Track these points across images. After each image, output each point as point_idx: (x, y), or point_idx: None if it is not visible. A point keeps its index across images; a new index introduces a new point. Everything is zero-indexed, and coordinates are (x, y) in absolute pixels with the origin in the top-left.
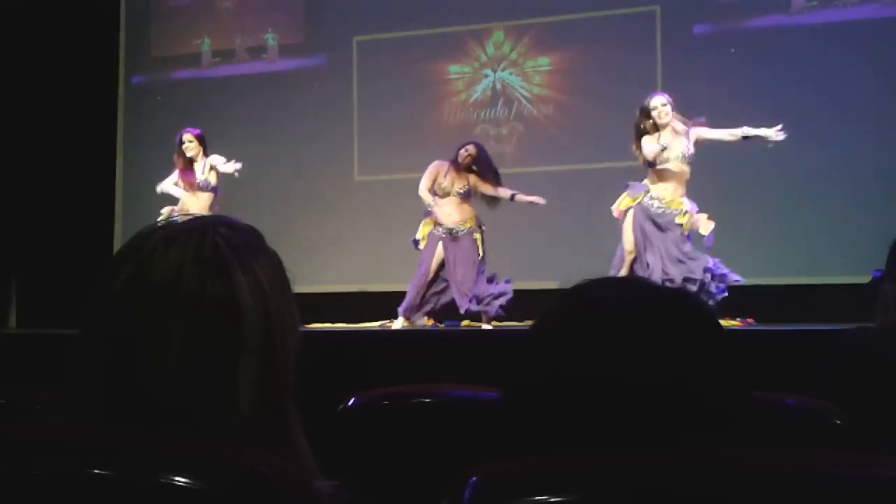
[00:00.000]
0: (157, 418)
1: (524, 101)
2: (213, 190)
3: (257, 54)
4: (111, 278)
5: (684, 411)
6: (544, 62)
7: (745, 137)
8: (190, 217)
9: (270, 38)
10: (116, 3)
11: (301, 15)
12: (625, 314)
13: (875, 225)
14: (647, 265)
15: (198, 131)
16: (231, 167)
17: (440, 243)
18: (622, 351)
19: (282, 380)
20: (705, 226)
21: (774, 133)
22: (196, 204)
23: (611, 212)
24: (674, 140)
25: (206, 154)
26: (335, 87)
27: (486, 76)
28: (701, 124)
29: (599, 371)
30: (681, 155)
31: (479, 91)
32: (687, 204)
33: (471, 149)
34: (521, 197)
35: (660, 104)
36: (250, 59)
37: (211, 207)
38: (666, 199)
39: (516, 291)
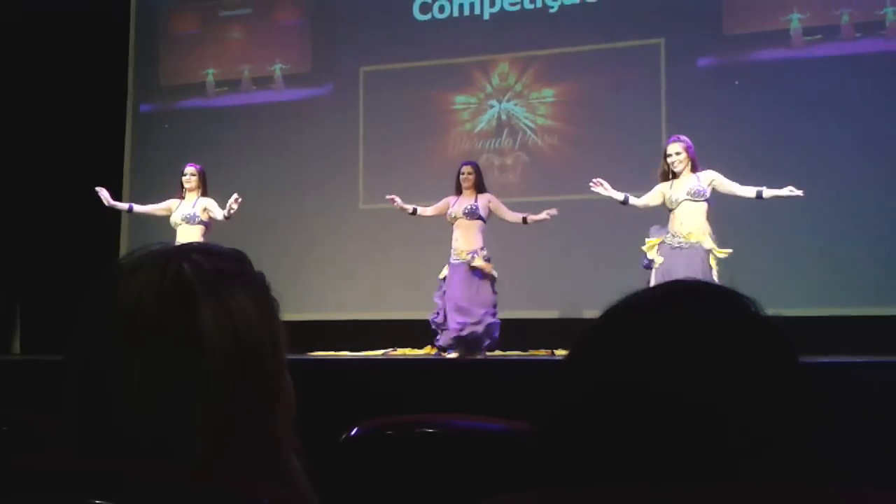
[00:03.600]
0: (127, 450)
1: (529, 132)
2: (204, 223)
3: (264, 84)
4: (91, 306)
5: (739, 443)
6: (549, 93)
7: (760, 197)
8: (162, 244)
9: (278, 68)
10: (126, 32)
11: (308, 45)
12: (687, 330)
13: (877, 256)
14: None
15: (199, 167)
16: (219, 215)
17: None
18: (680, 371)
19: (262, 411)
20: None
21: (789, 192)
22: (185, 237)
23: (614, 241)
24: (687, 181)
25: (204, 190)
26: (342, 117)
27: (492, 107)
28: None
29: (655, 393)
30: (685, 193)
31: (485, 121)
32: (709, 237)
33: (469, 168)
34: (531, 217)
35: (674, 152)
36: (257, 89)
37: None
38: (683, 233)
39: (518, 320)
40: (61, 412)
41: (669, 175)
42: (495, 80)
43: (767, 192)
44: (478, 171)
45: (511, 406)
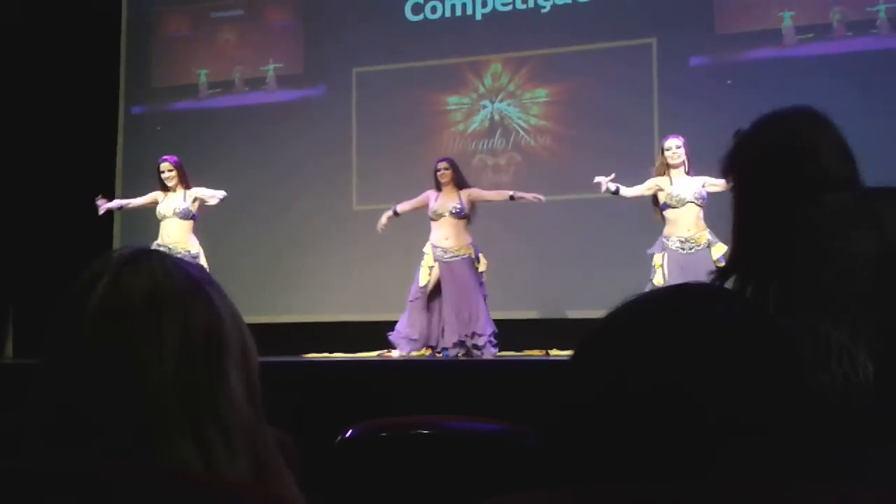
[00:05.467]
0: (147, 439)
1: (522, 132)
2: (193, 217)
3: (257, 85)
4: (78, 304)
5: (745, 443)
6: (542, 93)
7: None
8: (131, 249)
9: (270, 69)
10: (117, 34)
11: (300, 46)
12: (694, 331)
13: None
14: None
15: (175, 159)
16: (215, 199)
17: (437, 266)
18: (687, 372)
19: (250, 411)
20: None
21: None
22: (175, 231)
23: (609, 241)
24: (687, 183)
25: (185, 183)
26: (334, 118)
27: (485, 107)
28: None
29: (661, 393)
30: (695, 198)
31: (478, 122)
32: (709, 234)
33: (444, 164)
34: (519, 195)
35: (674, 146)
36: (249, 90)
37: (190, 238)
38: (694, 238)
39: (511, 321)
40: (26, 413)
41: (666, 170)
42: (488, 81)
43: None
44: (454, 167)
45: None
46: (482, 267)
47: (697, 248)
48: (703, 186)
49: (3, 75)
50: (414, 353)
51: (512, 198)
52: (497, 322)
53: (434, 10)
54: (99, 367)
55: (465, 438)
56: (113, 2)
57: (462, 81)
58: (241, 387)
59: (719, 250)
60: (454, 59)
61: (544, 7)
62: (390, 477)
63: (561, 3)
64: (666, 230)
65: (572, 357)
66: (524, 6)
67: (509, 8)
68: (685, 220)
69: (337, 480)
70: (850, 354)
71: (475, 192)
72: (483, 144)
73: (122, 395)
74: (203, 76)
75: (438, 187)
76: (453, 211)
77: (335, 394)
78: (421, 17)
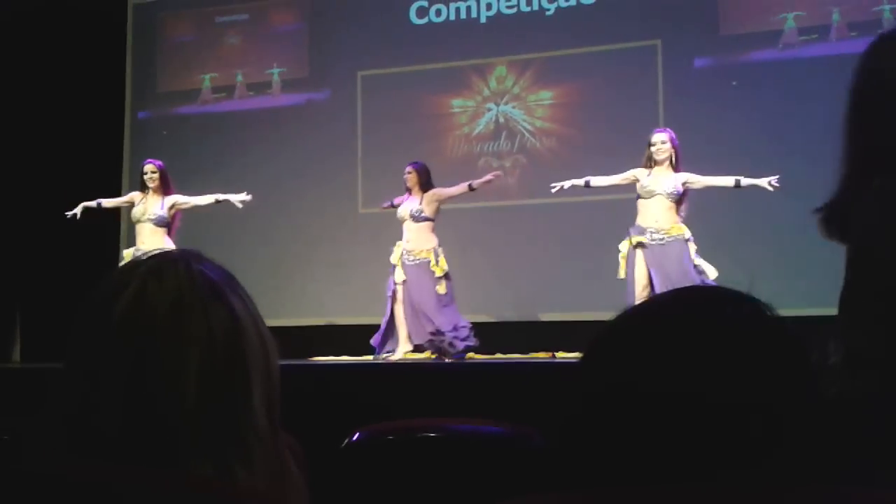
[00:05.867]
0: (168, 450)
1: (527, 134)
2: (168, 224)
3: (262, 89)
4: (104, 312)
5: (754, 444)
6: (546, 95)
7: (738, 186)
8: (157, 251)
9: (275, 73)
10: (123, 39)
11: (306, 50)
12: (703, 333)
13: None
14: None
15: (160, 163)
16: (200, 201)
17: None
18: (696, 374)
19: (277, 402)
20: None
21: (768, 183)
22: (150, 237)
23: (614, 243)
24: (664, 177)
25: (166, 189)
26: (339, 121)
27: (489, 110)
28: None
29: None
30: (665, 191)
31: (482, 124)
32: (686, 231)
33: (409, 168)
34: (477, 182)
35: (659, 140)
36: (255, 94)
37: (166, 242)
38: (665, 228)
39: (518, 323)
40: (46, 417)
41: (650, 163)
42: (493, 84)
43: (745, 181)
44: (419, 171)
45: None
46: (438, 272)
47: (668, 238)
48: (683, 183)
49: (11, 81)
50: (420, 356)
51: (471, 187)
52: (503, 325)
53: (438, 13)
54: (122, 376)
55: (471, 441)
56: (118, 8)
57: (467, 84)
58: (263, 397)
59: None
60: (459, 61)
61: (549, 9)
62: (397, 480)
63: (565, 5)
64: (637, 220)
65: (581, 359)
66: (528, 8)
67: (514, 10)
68: (653, 212)
69: (344, 484)
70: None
71: (436, 193)
72: (488, 147)
73: (144, 405)
74: (208, 81)
75: (409, 191)
76: (413, 214)
77: (341, 397)
78: (425, 20)
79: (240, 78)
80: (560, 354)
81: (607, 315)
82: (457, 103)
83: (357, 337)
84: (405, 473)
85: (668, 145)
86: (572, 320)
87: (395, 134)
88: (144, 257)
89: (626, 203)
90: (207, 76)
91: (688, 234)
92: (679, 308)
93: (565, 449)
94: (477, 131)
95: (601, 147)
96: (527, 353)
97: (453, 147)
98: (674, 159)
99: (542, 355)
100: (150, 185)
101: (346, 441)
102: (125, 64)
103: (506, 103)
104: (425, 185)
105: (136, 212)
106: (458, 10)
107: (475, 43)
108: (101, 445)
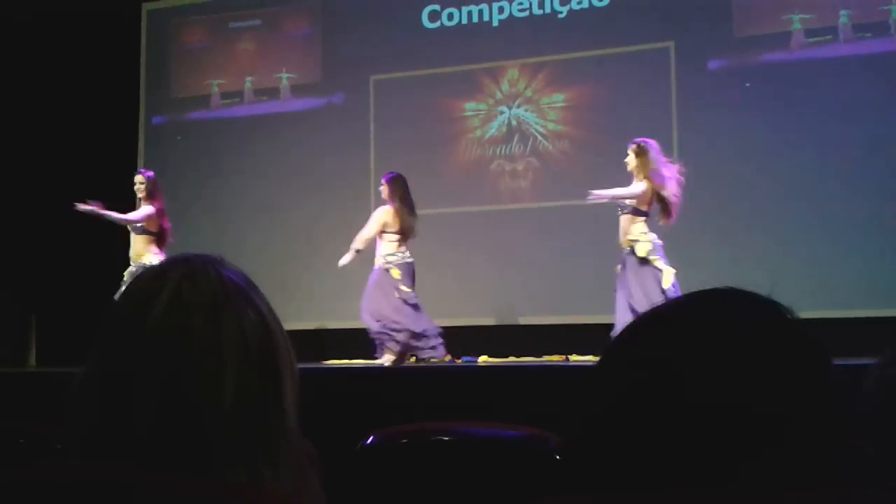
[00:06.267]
0: (202, 454)
1: (539, 137)
2: (150, 233)
3: (275, 94)
4: (137, 317)
5: (772, 449)
6: (559, 98)
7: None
8: (179, 256)
9: (286, 78)
10: (138, 46)
11: (318, 55)
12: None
13: (893, 255)
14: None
15: (150, 174)
16: (132, 216)
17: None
18: (713, 377)
19: (298, 406)
20: (667, 278)
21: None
22: (135, 244)
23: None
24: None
25: (151, 198)
26: (352, 126)
27: (502, 113)
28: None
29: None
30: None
31: (495, 127)
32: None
33: (382, 181)
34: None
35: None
36: (268, 99)
37: (149, 251)
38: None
39: (532, 326)
40: (72, 420)
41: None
42: (505, 87)
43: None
44: (390, 183)
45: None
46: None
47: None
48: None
49: (27, 87)
50: (434, 359)
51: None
52: (516, 328)
53: (451, 16)
54: (158, 380)
55: (485, 445)
56: (133, 14)
57: (479, 87)
58: (292, 398)
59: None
60: (471, 65)
61: (561, 12)
62: (410, 484)
63: (578, 7)
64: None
65: (599, 363)
66: (541, 11)
67: (526, 14)
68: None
69: (357, 488)
70: None
71: (380, 216)
72: (501, 150)
73: (180, 410)
74: (220, 86)
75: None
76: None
77: (355, 401)
78: (438, 24)
79: (253, 83)
80: (574, 357)
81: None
82: (469, 107)
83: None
84: (419, 477)
85: (631, 156)
86: (586, 323)
87: (407, 138)
88: (170, 262)
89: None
90: (220, 82)
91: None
92: (697, 311)
93: (582, 453)
94: (489, 134)
95: (614, 149)
96: (541, 357)
97: (466, 150)
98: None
99: (555, 358)
100: (139, 195)
101: (359, 444)
102: (139, 69)
103: (518, 106)
104: (392, 196)
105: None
106: (470, 13)
107: (487, 46)
108: (132, 449)
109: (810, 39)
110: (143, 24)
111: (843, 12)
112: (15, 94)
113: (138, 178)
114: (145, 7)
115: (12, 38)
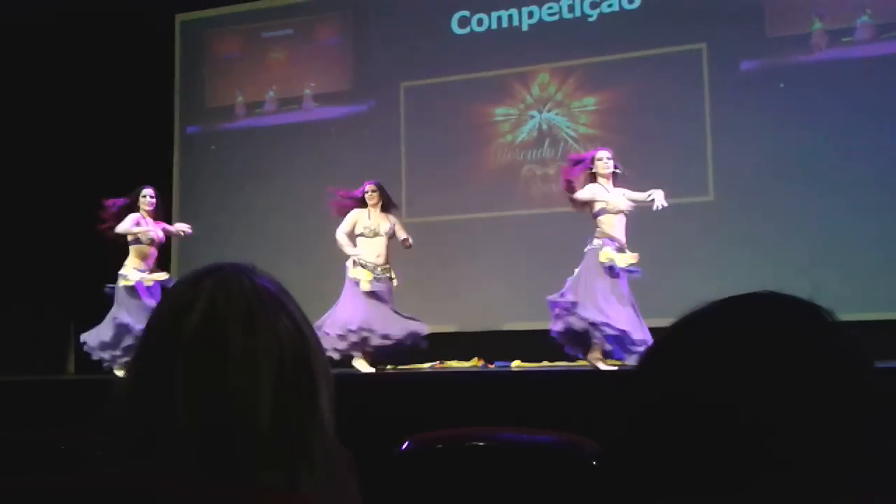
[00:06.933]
0: (241, 461)
1: (571, 141)
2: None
3: (306, 102)
4: (173, 329)
5: (810, 458)
6: (590, 102)
7: (651, 199)
8: (212, 266)
9: (319, 87)
10: (172, 55)
11: (349, 63)
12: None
13: None
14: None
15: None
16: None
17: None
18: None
19: (334, 411)
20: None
21: (658, 197)
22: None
23: (659, 248)
24: (614, 190)
25: (155, 215)
26: (383, 132)
27: (532, 117)
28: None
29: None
30: (627, 206)
31: (526, 132)
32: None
33: (371, 186)
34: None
35: (605, 157)
36: (299, 108)
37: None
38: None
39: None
40: (112, 429)
41: (594, 178)
42: (535, 91)
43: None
44: (382, 189)
45: (559, 417)
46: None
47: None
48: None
49: (63, 98)
50: (467, 364)
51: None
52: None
53: (480, 22)
54: (196, 390)
55: (520, 450)
56: (167, 25)
57: (509, 92)
58: (328, 402)
59: (626, 259)
60: (501, 70)
61: (591, 15)
62: (446, 489)
63: (608, 10)
64: (610, 233)
65: (636, 368)
66: (571, 15)
67: (556, 18)
68: (619, 226)
69: (393, 493)
70: None
71: (396, 223)
72: (532, 155)
73: (218, 419)
74: (252, 96)
75: (364, 204)
76: (388, 232)
77: (389, 406)
78: (467, 30)
79: (284, 92)
80: (608, 362)
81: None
82: (499, 112)
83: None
84: (454, 482)
85: (612, 162)
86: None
87: (438, 144)
88: (203, 272)
89: (672, 209)
90: (252, 91)
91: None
92: (736, 316)
93: (619, 461)
94: (520, 139)
95: (647, 152)
96: (574, 361)
97: (497, 155)
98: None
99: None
100: (149, 207)
101: (395, 450)
102: (174, 80)
103: (549, 110)
104: (386, 203)
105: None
106: (499, 18)
107: (517, 51)
108: (171, 458)
109: (844, 39)
110: (177, 34)
111: (868, 12)
112: (56, 108)
113: (147, 192)
114: (178, 18)
115: (51, 53)
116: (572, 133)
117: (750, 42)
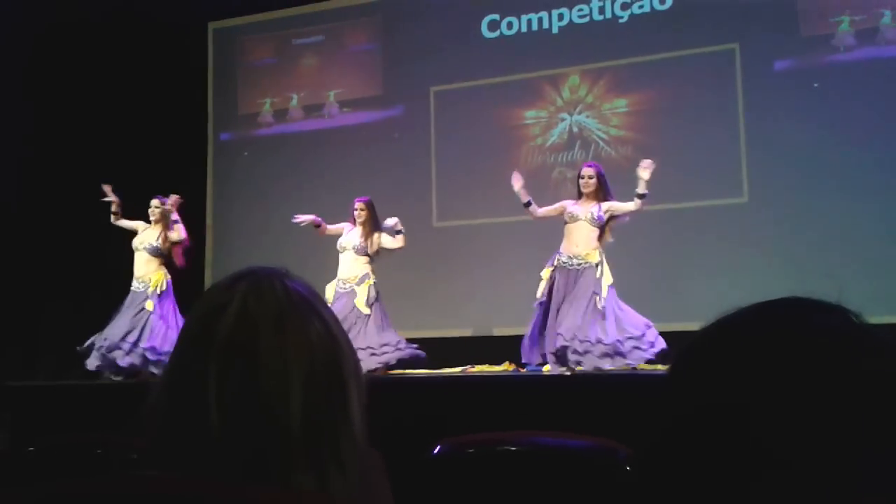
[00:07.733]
0: (273, 464)
1: (602, 143)
2: (161, 254)
3: (336, 108)
4: (206, 333)
5: (845, 467)
6: (621, 104)
7: (642, 197)
8: (245, 270)
9: (349, 92)
10: (205, 62)
11: (379, 68)
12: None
13: None
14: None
15: (166, 200)
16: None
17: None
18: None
19: (366, 415)
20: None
21: (646, 166)
22: (142, 264)
23: (692, 251)
24: (589, 205)
25: (166, 224)
26: (413, 137)
27: (563, 119)
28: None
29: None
30: (588, 217)
31: (556, 135)
32: (600, 256)
33: (360, 204)
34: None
35: (587, 175)
36: (329, 114)
37: (157, 269)
38: (581, 254)
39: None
40: (148, 432)
41: (579, 194)
42: (566, 93)
43: (640, 189)
44: (370, 208)
45: (592, 422)
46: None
47: (585, 265)
48: (605, 211)
49: (97, 106)
50: (497, 369)
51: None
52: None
53: (510, 25)
54: (228, 394)
55: (553, 454)
56: (199, 32)
57: (539, 95)
58: (358, 404)
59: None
60: (531, 73)
61: (622, 17)
62: (478, 493)
63: (639, 12)
64: (562, 245)
65: (668, 375)
66: (601, 17)
67: (586, 20)
68: (576, 237)
69: (425, 496)
70: None
71: (377, 239)
72: (562, 157)
73: (250, 422)
74: (281, 103)
75: (355, 221)
76: (356, 246)
77: (421, 410)
78: (497, 33)
79: (314, 98)
80: (641, 366)
81: (676, 326)
82: (530, 114)
83: (435, 350)
84: (486, 486)
85: (595, 179)
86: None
87: (468, 147)
88: (237, 276)
89: (706, 211)
90: (283, 98)
91: (598, 258)
92: (772, 319)
93: (654, 465)
94: (551, 142)
95: (679, 154)
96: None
97: (527, 158)
98: (599, 193)
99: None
100: (151, 217)
101: (427, 453)
102: (207, 87)
103: (579, 113)
104: (374, 223)
105: (136, 241)
106: (529, 21)
107: (547, 54)
108: (206, 461)
109: (879, 38)
110: (210, 41)
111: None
112: (92, 115)
113: (155, 203)
114: (211, 26)
115: (88, 62)
116: (603, 135)
117: (784, 41)
